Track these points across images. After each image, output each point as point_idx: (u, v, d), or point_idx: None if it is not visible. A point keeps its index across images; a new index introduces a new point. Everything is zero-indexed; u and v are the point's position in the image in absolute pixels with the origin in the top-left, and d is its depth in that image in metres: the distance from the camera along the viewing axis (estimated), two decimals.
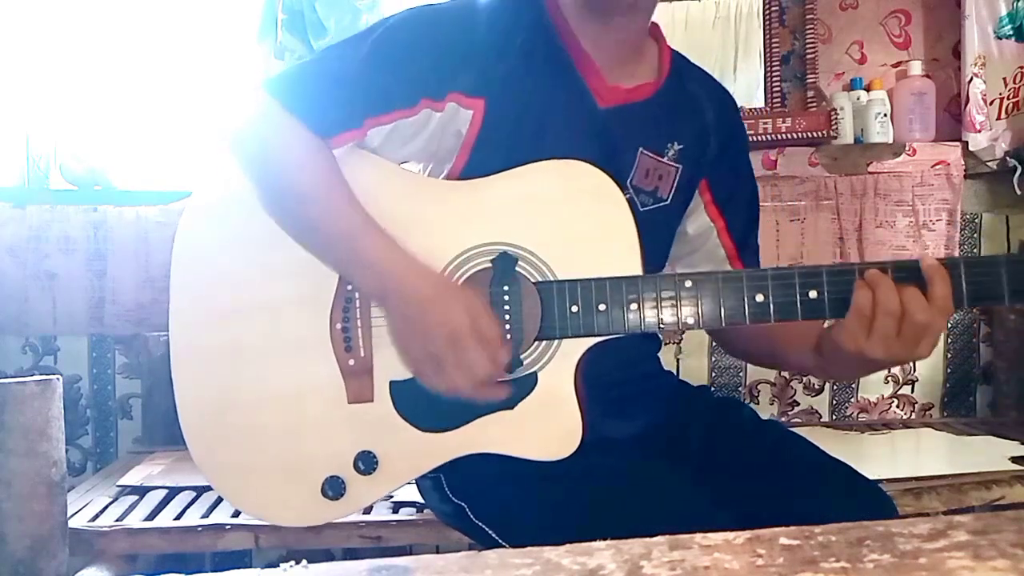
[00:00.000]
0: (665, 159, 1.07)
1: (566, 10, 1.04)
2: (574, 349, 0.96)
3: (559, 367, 0.96)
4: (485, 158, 1.00)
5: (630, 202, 0.98)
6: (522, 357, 0.96)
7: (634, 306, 0.94)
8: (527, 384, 0.96)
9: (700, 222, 1.15)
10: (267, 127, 0.98)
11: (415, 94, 0.98)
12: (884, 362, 0.90)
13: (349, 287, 1.00)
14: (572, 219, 0.96)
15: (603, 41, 1.03)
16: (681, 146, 1.08)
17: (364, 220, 0.96)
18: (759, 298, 0.93)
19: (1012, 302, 0.90)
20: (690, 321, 0.94)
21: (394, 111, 0.98)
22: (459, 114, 1.00)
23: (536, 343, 0.97)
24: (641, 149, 1.06)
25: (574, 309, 0.95)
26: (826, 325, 0.98)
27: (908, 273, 0.89)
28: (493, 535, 0.98)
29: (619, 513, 0.89)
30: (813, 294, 0.92)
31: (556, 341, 0.96)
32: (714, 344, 2.15)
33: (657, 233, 1.08)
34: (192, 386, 1.03)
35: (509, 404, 0.96)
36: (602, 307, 0.94)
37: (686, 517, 0.87)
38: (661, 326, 0.94)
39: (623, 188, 0.99)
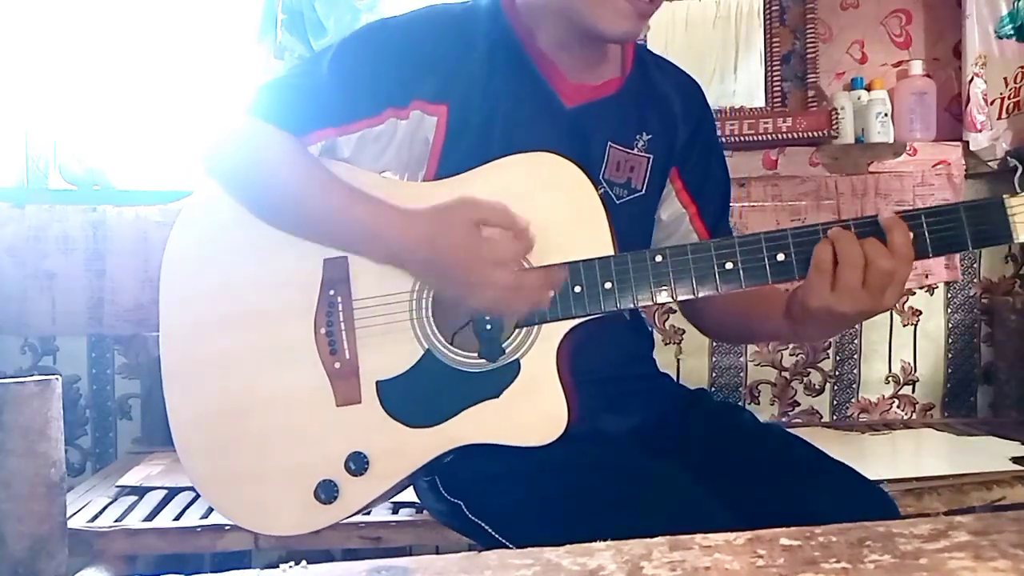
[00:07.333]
0: (635, 151, 1.09)
1: (526, 16, 1.06)
2: (554, 333, 0.97)
3: (541, 352, 0.97)
4: (453, 165, 1.02)
5: (604, 196, 1.00)
6: (504, 346, 0.97)
7: (608, 285, 0.96)
8: (510, 372, 0.97)
9: (673, 208, 1.17)
10: (240, 133, 1.02)
11: (379, 103, 1.01)
12: (852, 316, 0.91)
13: (332, 292, 1.01)
14: (543, 208, 0.97)
15: (565, 45, 1.05)
16: (650, 136, 1.10)
17: (348, 193, 0.98)
18: (728, 266, 0.94)
19: (975, 246, 0.91)
20: (663, 294, 0.95)
21: (361, 120, 1.01)
22: (424, 121, 1.03)
23: (516, 331, 0.98)
24: (610, 143, 1.08)
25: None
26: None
27: (868, 227, 0.91)
28: (490, 531, 0.98)
29: (616, 504, 0.89)
30: (781, 256, 0.93)
31: (536, 327, 0.97)
32: (714, 344, 2.15)
33: (636, 223, 1.11)
34: (182, 399, 1.04)
35: (494, 392, 0.97)
36: (577, 289, 0.96)
37: (686, 510, 0.88)
38: (637, 303, 0.96)
39: (595, 183, 1.01)
